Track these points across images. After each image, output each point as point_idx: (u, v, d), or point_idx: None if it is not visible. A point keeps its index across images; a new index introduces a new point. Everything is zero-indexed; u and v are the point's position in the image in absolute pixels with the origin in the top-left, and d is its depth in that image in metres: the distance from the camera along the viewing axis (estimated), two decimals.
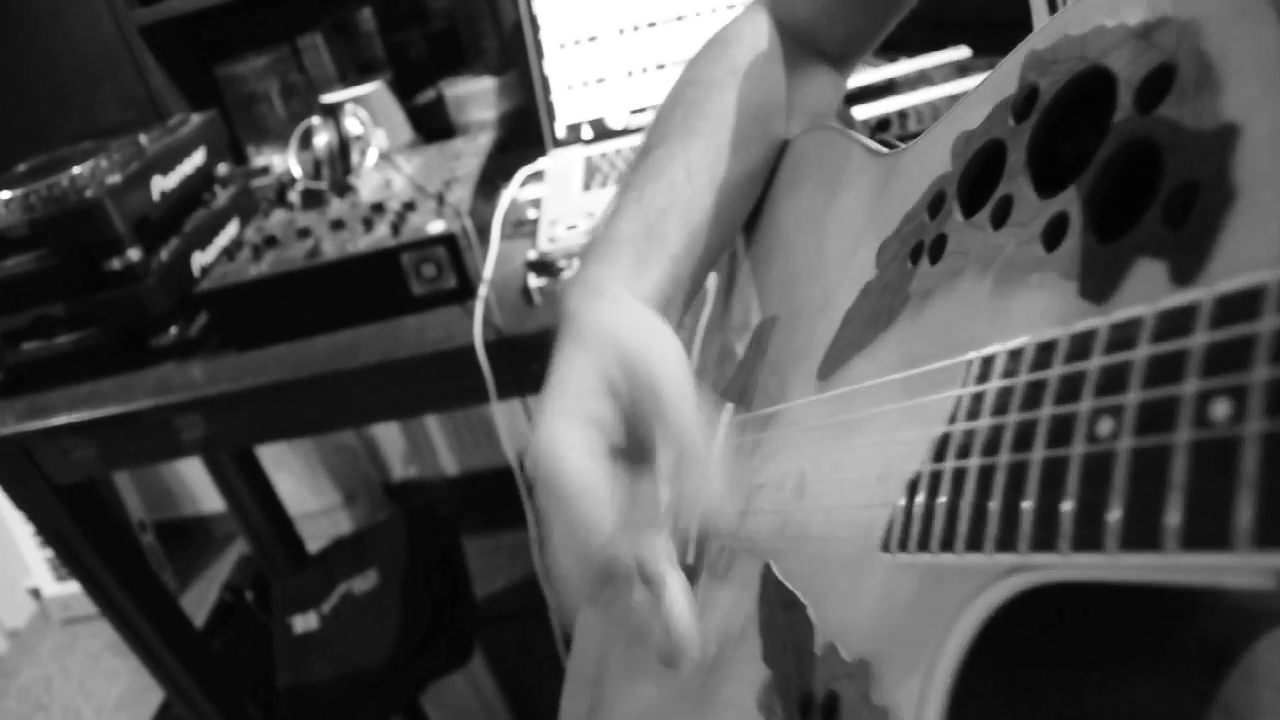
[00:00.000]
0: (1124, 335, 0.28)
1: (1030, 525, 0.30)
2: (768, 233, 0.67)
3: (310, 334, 1.26)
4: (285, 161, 1.46)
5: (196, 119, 1.50)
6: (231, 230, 1.47)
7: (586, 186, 1.34)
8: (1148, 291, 0.29)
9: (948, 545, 0.34)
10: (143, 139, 1.41)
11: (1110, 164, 0.34)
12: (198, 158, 1.45)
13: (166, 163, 1.37)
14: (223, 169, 1.53)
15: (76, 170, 1.25)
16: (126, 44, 1.61)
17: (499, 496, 1.82)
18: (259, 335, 1.26)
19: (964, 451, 0.35)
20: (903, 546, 0.38)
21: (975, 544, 0.33)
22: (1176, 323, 0.26)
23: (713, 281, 0.74)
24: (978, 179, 0.43)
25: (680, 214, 0.61)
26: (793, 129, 0.69)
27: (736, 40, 0.68)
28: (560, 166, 1.42)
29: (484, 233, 1.26)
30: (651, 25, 1.45)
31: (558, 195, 1.33)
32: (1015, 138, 0.40)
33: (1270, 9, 0.28)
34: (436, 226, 1.18)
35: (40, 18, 1.63)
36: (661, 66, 1.45)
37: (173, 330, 1.30)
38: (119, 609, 1.51)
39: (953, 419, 0.36)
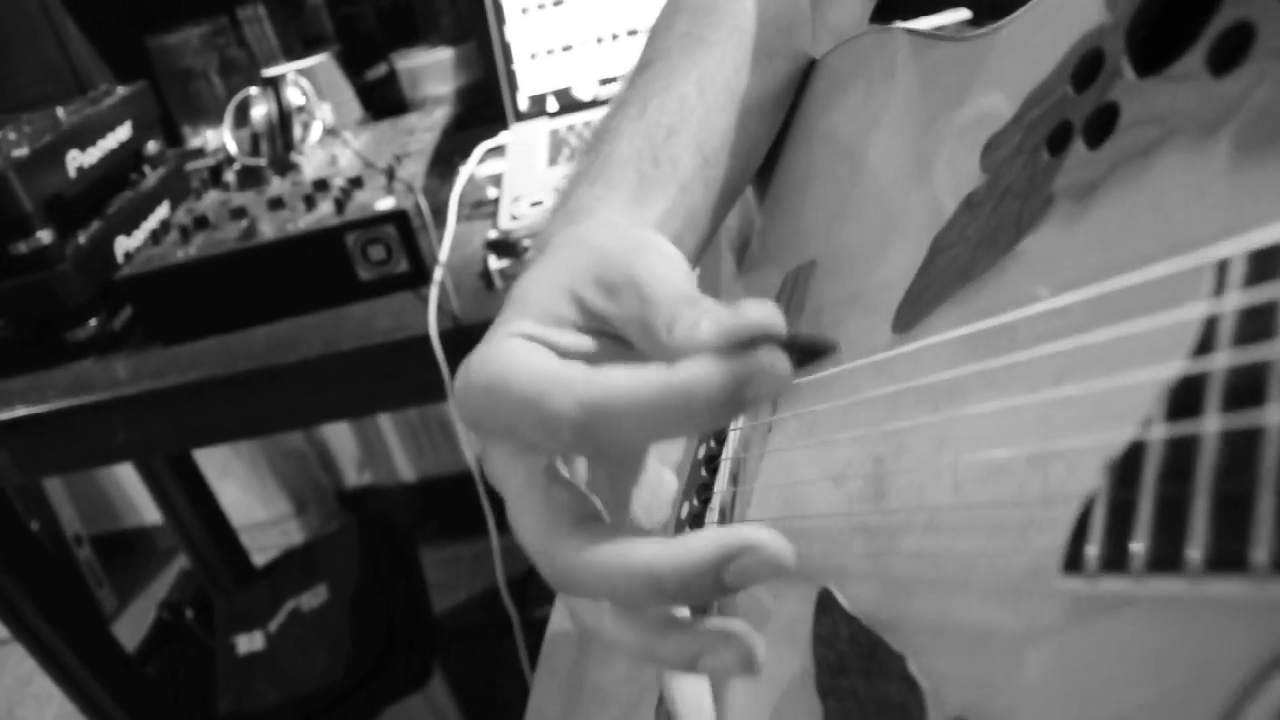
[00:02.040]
0: None
1: None
2: (796, 166, 0.55)
3: (245, 325, 1.12)
4: (221, 138, 1.32)
5: (122, 91, 1.36)
6: (161, 213, 1.33)
7: (552, 161, 1.22)
8: None
9: (1218, 564, 0.21)
10: (60, 112, 1.28)
11: None
12: (122, 133, 1.31)
13: (85, 137, 1.23)
14: (153, 148, 1.39)
15: None
16: (45, 9, 1.46)
17: (459, 504, 1.72)
18: (188, 327, 1.13)
19: (1234, 396, 0.22)
20: (1108, 565, 0.24)
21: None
22: None
23: (725, 232, 0.61)
24: (1168, 21, 0.30)
25: (693, 135, 0.48)
26: (820, 45, 0.56)
27: None
28: (523, 141, 1.30)
29: (440, 214, 1.14)
30: None
31: (520, 171, 1.21)
32: None
33: None
34: (385, 203, 1.05)
35: None
36: (634, 32, 1.31)
37: (92, 322, 1.16)
38: (33, 632, 1.37)
39: (1204, 348, 0.23)
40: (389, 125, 1.38)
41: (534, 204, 1.10)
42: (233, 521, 2.22)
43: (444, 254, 1.07)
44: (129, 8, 1.63)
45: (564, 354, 0.36)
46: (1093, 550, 0.25)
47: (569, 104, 1.37)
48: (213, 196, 1.23)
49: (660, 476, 0.42)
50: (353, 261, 1.07)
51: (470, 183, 1.23)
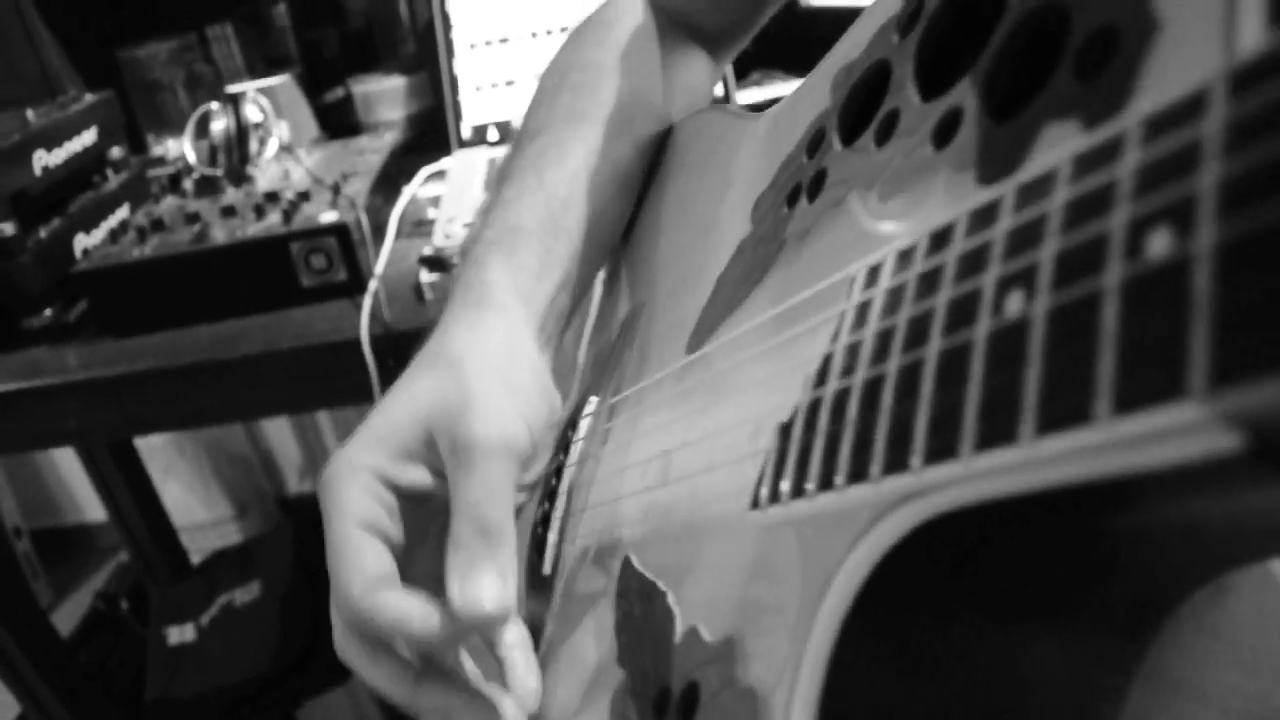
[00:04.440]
0: (1036, 190, 0.25)
1: (926, 432, 0.26)
2: (645, 223, 0.65)
3: (193, 322, 1.20)
4: (181, 148, 1.40)
5: (90, 98, 1.44)
6: (121, 214, 1.41)
7: (488, 187, 1.31)
8: (1059, 151, 0.26)
9: (827, 483, 0.30)
10: (29, 113, 1.35)
11: (1009, 43, 0.31)
12: (88, 137, 1.39)
13: (52, 138, 1.31)
14: (117, 153, 1.47)
15: None
16: (20, 15, 1.54)
17: None
18: (139, 321, 1.20)
19: (848, 369, 0.31)
20: (774, 498, 0.34)
21: (860, 472, 0.29)
22: (1097, 157, 0.23)
23: (600, 279, 0.71)
24: (861, 107, 0.41)
25: (582, 208, 0.58)
26: (672, 111, 0.67)
27: (616, 21, 0.67)
28: (464, 167, 1.39)
29: (381, 230, 1.23)
30: (564, 30, 1.43)
31: (458, 195, 1.30)
32: (900, 52, 0.38)
33: None
34: (329, 217, 1.14)
35: None
36: None
37: (48, 312, 1.23)
38: None
39: (835, 337, 0.33)
40: (341, 145, 1.47)
41: (466, 225, 1.19)
42: (174, 521, 2.27)
43: (380, 266, 1.16)
44: (103, 20, 1.71)
45: (401, 492, 0.46)
46: (763, 490, 0.35)
47: (508, 135, 1.47)
48: (170, 202, 1.31)
49: None
50: (295, 269, 1.15)
51: (412, 203, 1.32)
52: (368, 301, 1.10)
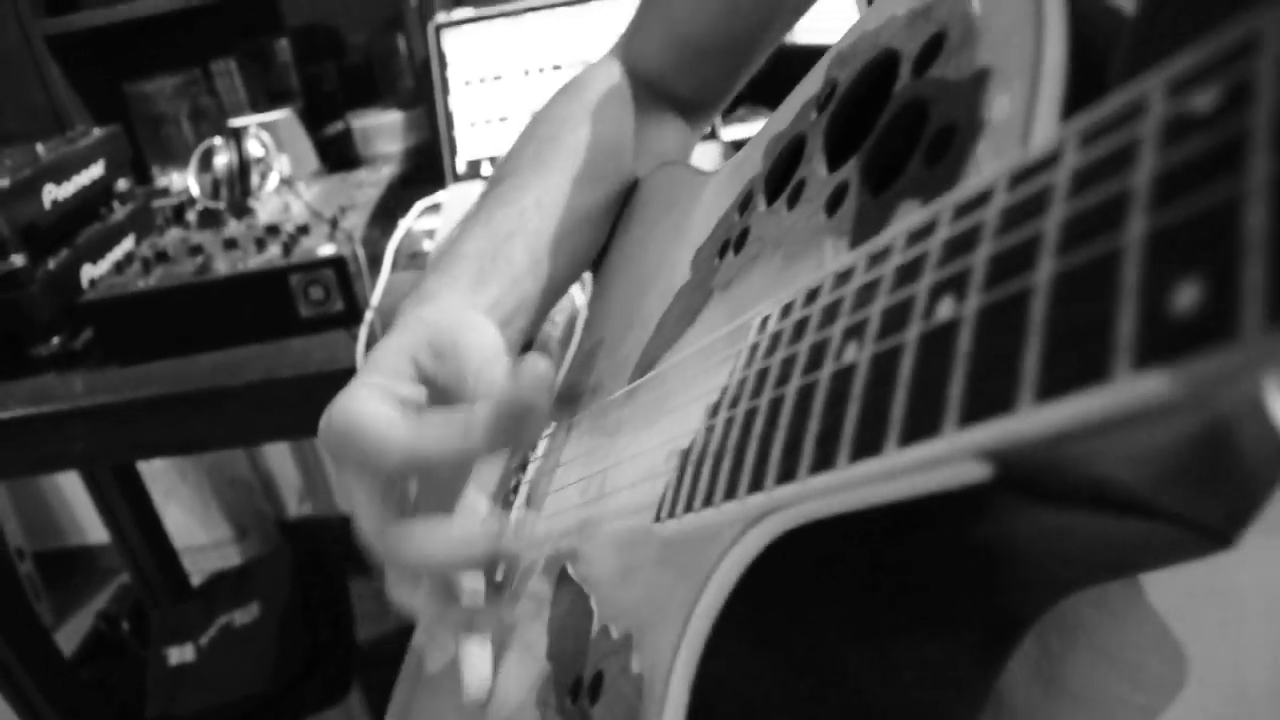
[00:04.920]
0: (878, 258, 0.29)
1: (779, 458, 0.30)
2: (611, 266, 0.70)
3: (196, 351, 1.25)
4: (185, 181, 1.45)
5: (98, 132, 1.49)
6: (127, 245, 1.46)
7: None
8: (901, 225, 0.30)
9: (709, 500, 0.35)
10: (40, 148, 1.40)
11: (887, 128, 0.36)
12: (96, 170, 1.44)
13: (61, 172, 1.36)
14: (123, 185, 1.52)
15: None
16: (31, 52, 1.60)
17: None
18: (144, 349, 1.25)
19: (734, 401, 0.35)
20: (671, 513, 0.38)
21: (731, 491, 0.33)
22: (920, 233, 0.27)
23: (580, 323, 0.76)
24: (784, 172, 0.46)
25: (526, 239, 0.62)
26: (641, 168, 0.71)
27: (590, 84, 0.71)
28: (458, 200, 1.43)
29: (377, 261, 1.27)
30: (556, 68, 1.49)
31: (452, 227, 1.34)
32: (814, 128, 0.43)
33: None
34: (326, 250, 1.19)
35: None
36: None
37: (55, 340, 1.28)
38: None
39: (731, 373, 0.37)
40: (340, 179, 1.52)
41: None
42: (175, 543, 2.31)
43: (376, 298, 1.21)
44: (111, 56, 1.76)
45: (402, 401, 0.50)
46: (664, 507, 0.40)
47: None
48: (174, 234, 1.36)
49: (473, 502, 0.56)
50: (294, 300, 1.20)
51: (408, 236, 1.36)
52: (364, 332, 1.15)
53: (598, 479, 0.51)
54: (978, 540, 0.32)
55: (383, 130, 1.68)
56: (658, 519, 0.40)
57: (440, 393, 0.51)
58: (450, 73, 1.51)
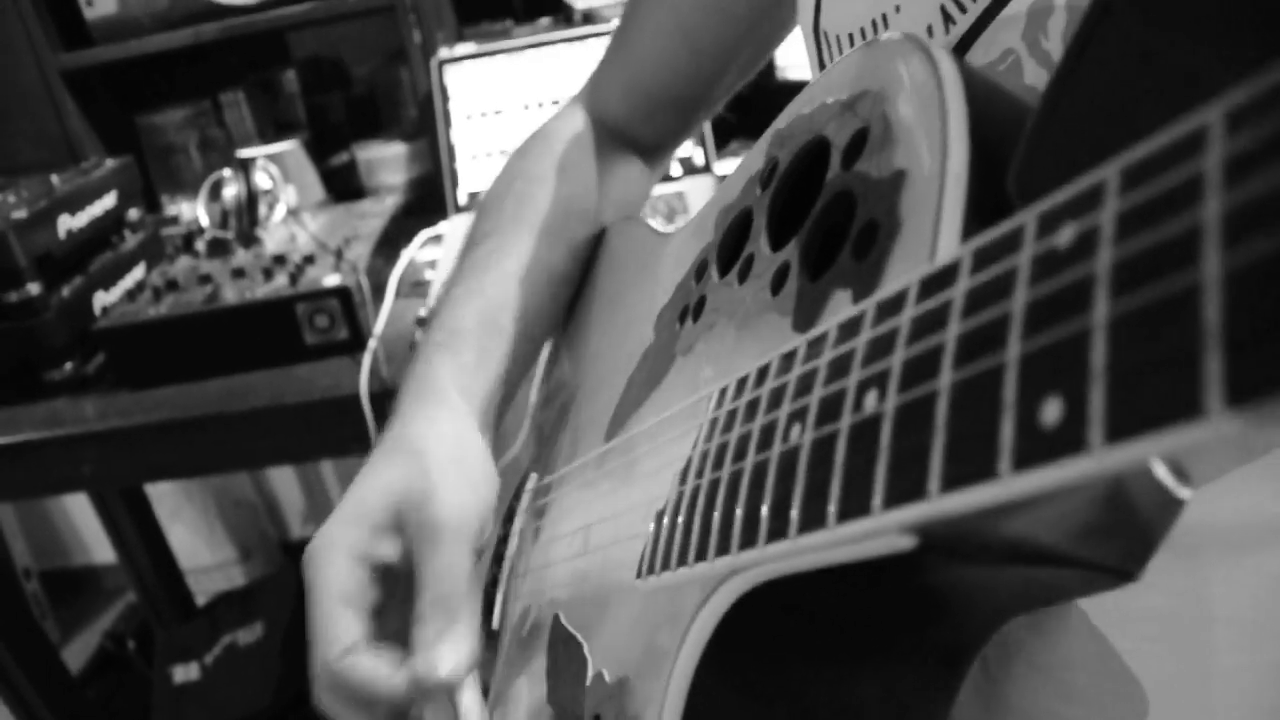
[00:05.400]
0: (815, 347, 0.33)
1: (740, 527, 0.34)
2: (580, 317, 0.74)
3: (204, 376, 1.29)
4: (195, 210, 1.50)
5: (111, 164, 1.54)
6: (137, 273, 1.50)
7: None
8: (838, 313, 0.34)
9: (683, 560, 0.39)
10: (54, 179, 1.45)
11: (821, 216, 0.41)
12: (108, 201, 1.48)
13: (76, 203, 1.40)
14: (134, 214, 1.56)
15: None
16: (47, 86, 1.64)
17: None
18: (154, 375, 1.29)
19: (699, 472, 0.39)
20: (651, 570, 0.42)
21: (701, 554, 0.37)
22: (850, 328, 0.31)
23: (542, 364, 0.80)
24: (734, 245, 0.50)
25: (515, 309, 0.66)
26: (605, 216, 0.75)
27: (557, 135, 0.75)
28: (459, 231, 1.48)
29: (381, 290, 1.32)
30: (555, 103, 1.53)
31: (454, 258, 1.38)
32: (759, 204, 0.47)
33: (930, 76, 0.35)
34: (332, 280, 1.23)
35: None
36: None
37: (68, 365, 1.32)
38: None
39: (694, 444, 0.41)
40: (344, 209, 1.57)
41: None
42: (180, 563, 2.34)
43: (379, 326, 1.25)
44: (123, 88, 1.81)
45: (373, 564, 0.53)
46: (644, 564, 0.43)
47: None
48: (184, 262, 1.40)
49: None
50: (300, 328, 1.24)
51: (410, 265, 1.41)
52: (367, 359, 1.19)
53: (581, 534, 0.55)
54: (918, 588, 0.36)
55: (386, 162, 1.72)
56: (639, 575, 0.43)
57: (407, 555, 0.54)
58: (452, 107, 1.56)
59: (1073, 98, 0.31)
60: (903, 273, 0.32)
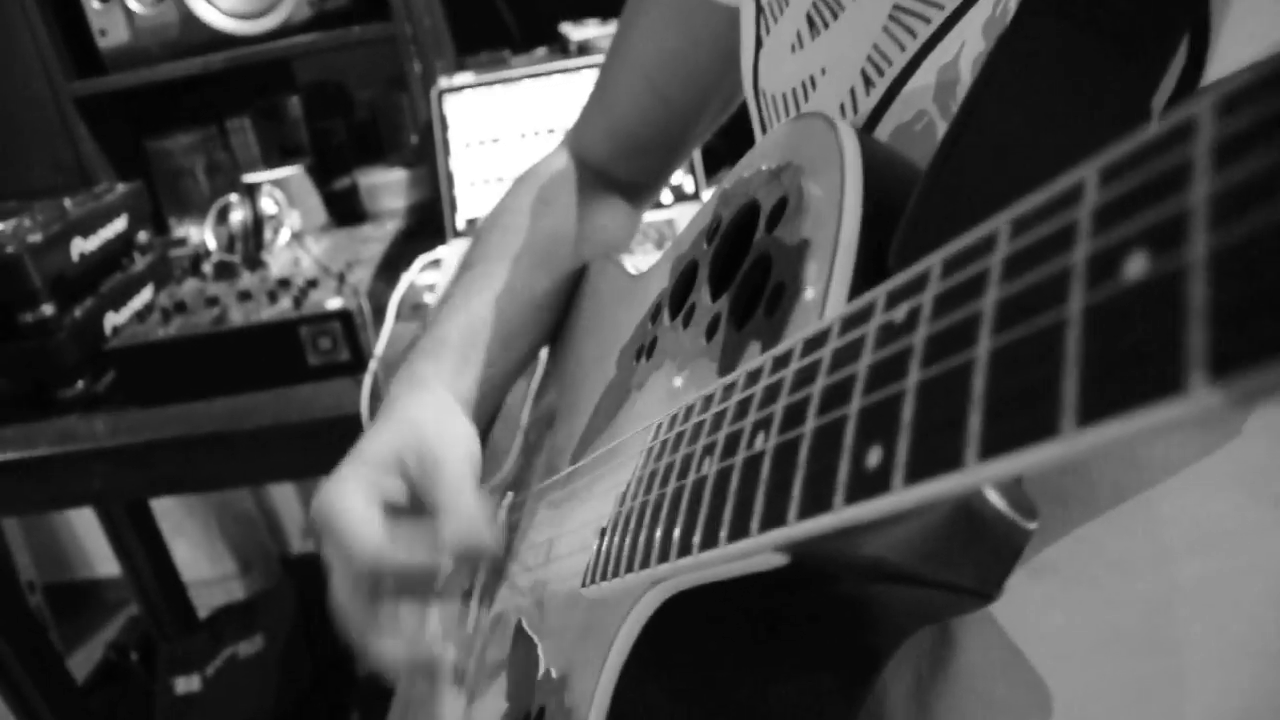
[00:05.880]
0: (727, 391, 0.38)
1: (659, 543, 0.39)
2: (563, 347, 0.80)
3: (211, 395, 1.34)
4: (202, 234, 1.55)
5: (122, 188, 1.58)
6: (146, 295, 1.55)
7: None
8: (745, 366, 0.39)
9: (616, 572, 0.44)
10: (67, 203, 1.49)
11: (748, 274, 0.46)
12: (119, 224, 1.53)
13: (88, 227, 1.45)
14: (143, 237, 1.61)
15: (0, 226, 1.34)
16: (60, 113, 1.69)
17: None
18: (162, 393, 1.34)
19: (634, 495, 0.44)
20: (593, 580, 0.47)
21: (630, 566, 0.42)
22: (753, 375, 0.36)
23: (535, 386, 0.85)
24: (683, 291, 0.55)
25: (498, 329, 0.72)
26: (585, 253, 0.81)
27: (544, 174, 0.81)
28: (457, 256, 1.52)
29: (381, 312, 1.36)
30: (550, 131, 1.59)
31: (438, 299, 1.43)
32: (704, 257, 0.53)
33: (835, 155, 0.40)
34: (334, 303, 1.28)
35: None
36: None
37: (80, 384, 1.37)
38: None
39: (634, 470, 0.46)
40: (346, 234, 1.62)
41: None
42: (182, 576, 2.39)
43: (380, 348, 1.30)
44: (133, 114, 1.86)
45: (385, 496, 0.58)
46: (588, 574, 0.48)
47: None
48: (192, 284, 1.45)
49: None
50: (304, 349, 1.29)
51: (410, 288, 1.46)
52: (368, 380, 1.24)
53: (545, 546, 0.61)
54: (815, 600, 0.41)
55: (388, 187, 1.77)
56: (584, 584, 0.49)
57: (417, 497, 0.59)
58: (451, 135, 1.62)
59: (943, 183, 0.37)
60: (799, 329, 0.38)
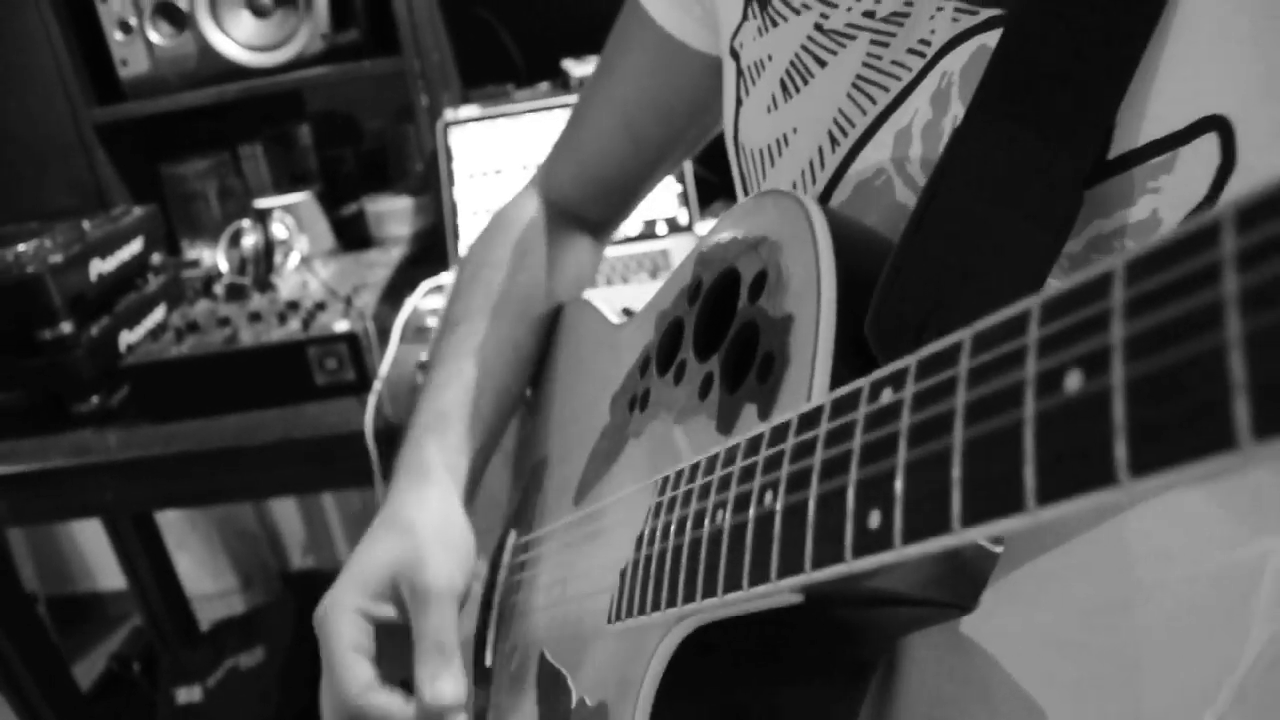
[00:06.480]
0: (730, 455, 0.43)
1: (683, 586, 0.44)
2: (545, 387, 0.84)
3: (221, 412, 1.39)
4: (215, 256, 1.60)
5: (138, 211, 1.64)
6: (159, 314, 1.60)
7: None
8: (748, 425, 0.45)
9: (643, 609, 0.49)
10: (86, 224, 1.54)
11: (735, 339, 0.51)
12: (135, 246, 1.59)
13: (106, 248, 1.50)
14: (157, 258, 1.66)
15: (21, 247, 1.39)
16: (81, 138, 1.75)
17: None
18: (174, 409, 1.39)
19: (651, 542, 0.49)
20: (619, 616, 0.52)
21: (656, 604, 0.47)
22: (754, 443, 0.41)
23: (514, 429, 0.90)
24: (670, 347, 0.60)
25: (490, 389, 0.76)
26: (559, 292, 0.85)
27: (517, 221, 0.85)
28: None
29: (386, 335, 1.42)
30: None
31: (432, 344, 1.48)
32: (688, 316, 0.58)
33: (808, 239, 0.46)
34: (341, 325, 1.34)
35: (3, 99, 1.78)
36: None
37: (94, 399, 1.42)
38: (6, 664, 1.60)
39: (646, 519, 0.51)
40: (353, 258, 1.68)
41: None
42: (185, 589, 2.43)
43: (384, 369, 1.35)
44: (150, 141, 1.93)
45: (376, 618, 0.62)
46: (613, 611, 0.53)
47: None
48: (204, 305, 1.50)
49: None
50: (311, 369, 1.35)
51: (414, 312, 1.51)
52: (372, 400, 1.30)
53: (559, 585, 0.66)
54: (822, 624, 0.47)
55: (394, 214, 1.83)
56: (610, 620, 0.54)
57: (403, 614, 0.64)
58: (455, 165, 1.68)
59: (910, 261, 0.43)
60: (791, 398, 0.44)
